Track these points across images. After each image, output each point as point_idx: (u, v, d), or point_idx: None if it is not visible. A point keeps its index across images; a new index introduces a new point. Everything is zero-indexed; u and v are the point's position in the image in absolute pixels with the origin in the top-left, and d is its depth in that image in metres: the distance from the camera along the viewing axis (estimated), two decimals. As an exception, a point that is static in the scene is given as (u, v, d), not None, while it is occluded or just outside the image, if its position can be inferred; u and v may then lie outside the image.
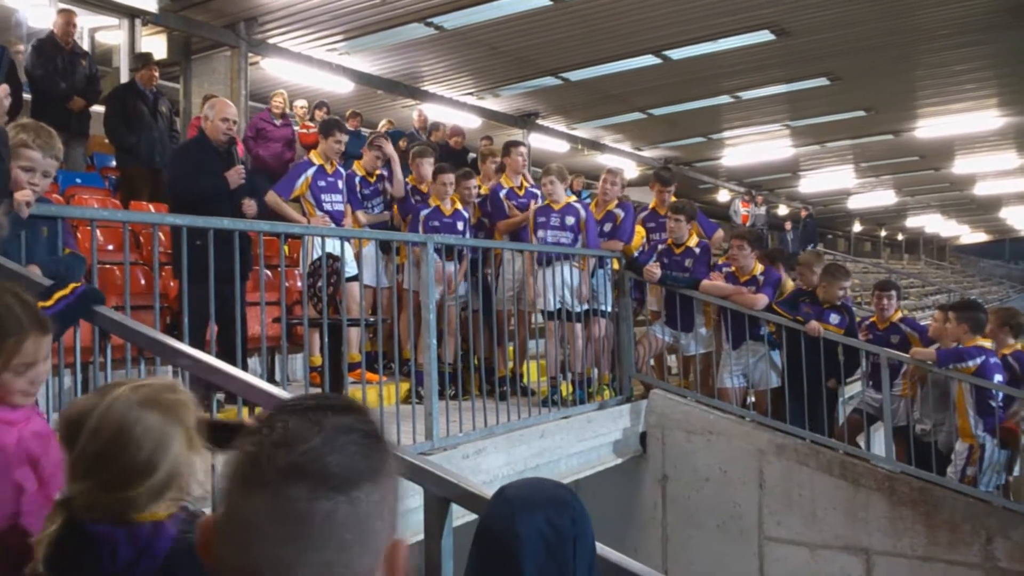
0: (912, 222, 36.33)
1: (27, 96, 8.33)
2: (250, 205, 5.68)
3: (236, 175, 5.63)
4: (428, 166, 7.33)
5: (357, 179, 7.20)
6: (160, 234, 5.90)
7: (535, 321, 7.19)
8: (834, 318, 6.87)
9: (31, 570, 1.63)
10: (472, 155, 11.10)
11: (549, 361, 6.94)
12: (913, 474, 6.42)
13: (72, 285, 2.78)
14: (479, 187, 7.52)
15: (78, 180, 8.29)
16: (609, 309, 7.10)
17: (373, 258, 6.73)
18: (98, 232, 3.97)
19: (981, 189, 26.85)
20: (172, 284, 6.36)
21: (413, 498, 2.60)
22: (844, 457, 6.65)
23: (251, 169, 6.42)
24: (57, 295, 2.68)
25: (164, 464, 1.61)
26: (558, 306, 6.68)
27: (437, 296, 5.44)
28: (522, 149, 7.71)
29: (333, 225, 6.48)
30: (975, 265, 43.44)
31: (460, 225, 6.99)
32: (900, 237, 40.87)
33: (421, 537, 2.43)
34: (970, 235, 43.05)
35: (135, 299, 4.32)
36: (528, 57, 13.26)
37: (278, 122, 10.08)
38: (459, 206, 7.05)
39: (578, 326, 6.80)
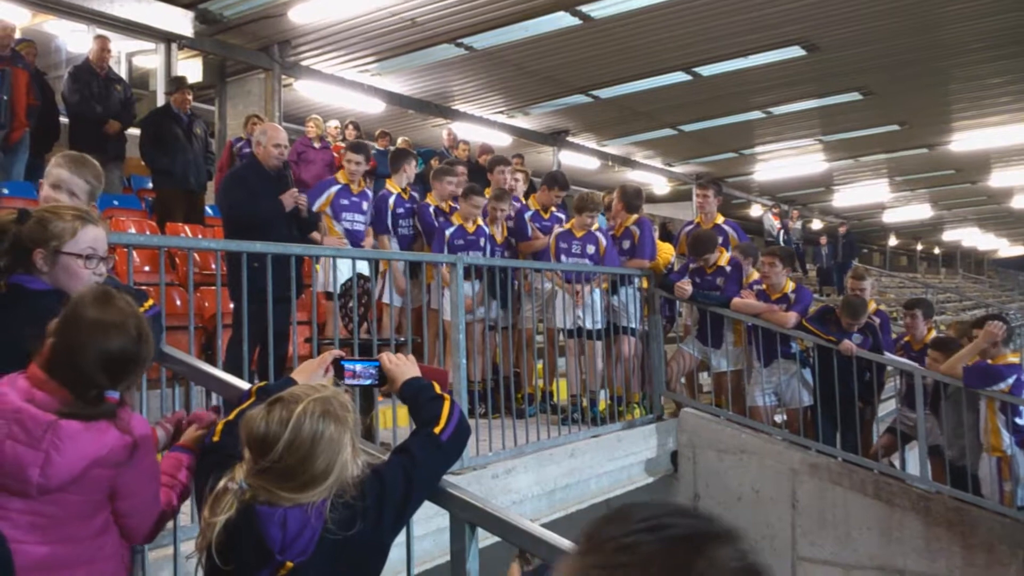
0: (949, 235, 35.87)
1: (64, 119, 8.55)
2: (292, 194, 5.78)
3: (290, 198, 5.74)
4: (449, 185, 7.29)
5: (392, 199, 7.17)
6: (195, 255, 6.00)
7: (561, 339, 7.19)
8: (856, 339, 6.79)
9: (201, 545, 1.95)
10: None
11: (569, 380, 6.94)
12: (949, 494, 6.33)
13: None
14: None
15: (115, 202, 8.47)
16: (637, 327, 7.08)
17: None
18: (134, 254, 4.06)
19: (1019, 202, 26.47)
20: (207, 305, 6.46)
21: (439, 520, 2.63)
22: (878, 477, 6.57)
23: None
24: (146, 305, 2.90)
25: (336, 468, 1.95)
26: (575, 326, 6.68)
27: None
28: (562, 194, 7.71)
29: (347, 244, 6.56)
30: (1014, 279, 42.61)
31: (482, 241, 7.02)
32: (937, 251, 40.35)
33: (447, 558, 2.46)
34: (1008, 248, 42.37)
35: (170, 320, 4.40)
36: (558, 76, 13.32)
37: (317, 145, 10.22)
38: (481, 222, 7.06)
39: (599, 344, 6.78)
